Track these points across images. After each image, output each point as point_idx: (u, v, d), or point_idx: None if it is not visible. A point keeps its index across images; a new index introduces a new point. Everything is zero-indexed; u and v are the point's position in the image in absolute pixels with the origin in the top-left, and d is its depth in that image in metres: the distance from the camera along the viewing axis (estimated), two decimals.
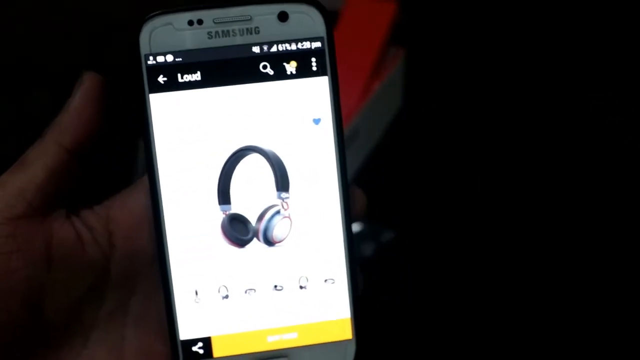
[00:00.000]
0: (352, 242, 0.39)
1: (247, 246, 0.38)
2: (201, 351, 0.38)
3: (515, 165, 0.37)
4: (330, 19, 0.37)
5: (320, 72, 0.37)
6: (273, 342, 0.38)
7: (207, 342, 0.38)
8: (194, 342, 0.38)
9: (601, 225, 0.36)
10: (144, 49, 0.36)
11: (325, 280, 0.38)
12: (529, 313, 0.37)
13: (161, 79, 0.36)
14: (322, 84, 0.37)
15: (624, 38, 0.36)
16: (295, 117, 0.37)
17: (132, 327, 0.38)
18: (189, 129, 0.37)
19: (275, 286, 0.38)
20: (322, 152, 0.38)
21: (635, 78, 0.36)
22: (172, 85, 0.36)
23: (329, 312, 0.39)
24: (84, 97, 0.35)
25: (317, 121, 0.37)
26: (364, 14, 0.39)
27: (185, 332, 0.38)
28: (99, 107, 0.35)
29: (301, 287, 0.38)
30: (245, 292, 0.38)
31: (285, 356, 0.38)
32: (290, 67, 0.37)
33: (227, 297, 0.38)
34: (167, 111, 0.36)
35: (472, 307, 0.39)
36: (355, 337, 0.39)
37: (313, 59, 0.37)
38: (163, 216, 0.37)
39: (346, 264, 0.38)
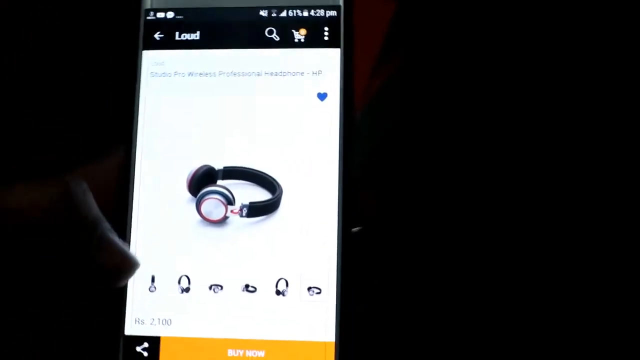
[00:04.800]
0: (349, 247, 0.31)
1: (221, 230, 0.32)
2: (145, 353, 0.31)
3: (517, 166, 0.32)
4: None
5: (332, 44, 0.32)
6: (234, 359, 0.30)
7: (154, 343, 0.31)
8: (140, 340, 0.31)
9: (601, 226, 0.31)
10: (145, 3, 0.33)
11: (309, 289, 0.31)
12: (528, 314, 0.32)
13: (157, 35, 0.33)
14: (333, 55, 0.32)
15: (624, 38, 0.32)
16: (298, 89, 0.32)
17: None
18: (177, 92, 0.33)
19: (247, 286, 0.31)
20: (323, 132, 0.32)
21: (636, 78, 0.32)
22: (168, 43, 0.33)
23: (310, 330, 0.30)
24: None
25: (322, 96, 0.32)
26: (363, 14, 0.35)
27: (131, 326, 0.31)
28: None
29: (278, 293, 0.31)
30: (210, 288, 0.31)
31: None
32: (299, 34, 0.33)
33: (187, 290, 0.31)
34: (158, 70, 0.33)
35: (474, 314, 0.33)
36: None
37: (326, 28, 0.33)
38: (133, 181, 0.32)
39: (337, 273, 0.31)
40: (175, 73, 0.33)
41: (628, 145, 0.33)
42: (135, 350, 0.31)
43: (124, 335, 0.31)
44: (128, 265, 0.30)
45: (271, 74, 0.32)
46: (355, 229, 0.31)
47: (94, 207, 0.30)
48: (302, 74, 0.32)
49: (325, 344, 0.30)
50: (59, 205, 0.29)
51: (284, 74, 0.32)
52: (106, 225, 0.29)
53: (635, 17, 0.34)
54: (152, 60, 0.33)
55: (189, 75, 0.33)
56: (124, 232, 0.31)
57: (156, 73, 0.33)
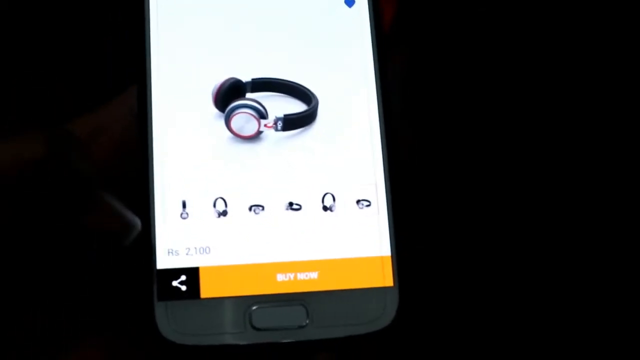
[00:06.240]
0: (396, 155, 0.29)
1: (255, 146, 0.29)
2: (183, 287, 0.27)
3: (517, 165, 0.32)
4: None
5: None
6: (284, 283, 0.27)
7: (193, 275, 0.27)
8: (175, 273, 0.27)
9: (602, 226, 0.32)
10: None
11: (358, 202, 0.29)
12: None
13: None
14: None
15: (624, 38, 0.33)
16: None
17: None
18: (192, 1, 0.29)
19: (291, 204, 0.28)
20: (355, 39, 0.30)
21: (635, 78, 0.33)
22: None
23: (364, 245, 0.28)
24: None
25: (350, 3, 0.30)
26: None
27: (164, 258, 0.27)
28: None
29: (325, 208, 0.28)
30: (250, 209, 0.28)
31: (301, 304, 0.27)
32: None
33: (224, 213, 0.28)
34: None
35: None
36: (397, 283, 0.28)
37: None
38: (150, 102, 0.28)
39: (386, 182, 0.29)
40: None
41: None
42: (172, 285, 0.27)
43: (157, 269, 0.27)
44: (125, 229, 0.27)
45: None
46: None
47: (86, 164, 0.27)
48: None
49: (382, 258, 0.28)
50: (42, 163, 0.25)
51: None
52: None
53: (636, 17, 0.34)
54: None
55: None
56: (146, 153, 0.28)
57: None
